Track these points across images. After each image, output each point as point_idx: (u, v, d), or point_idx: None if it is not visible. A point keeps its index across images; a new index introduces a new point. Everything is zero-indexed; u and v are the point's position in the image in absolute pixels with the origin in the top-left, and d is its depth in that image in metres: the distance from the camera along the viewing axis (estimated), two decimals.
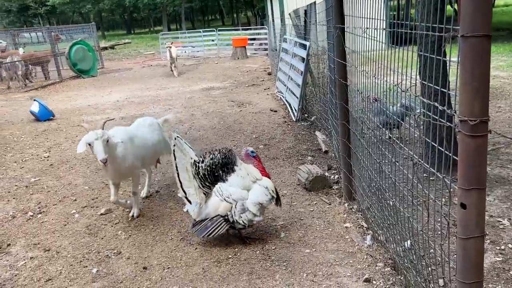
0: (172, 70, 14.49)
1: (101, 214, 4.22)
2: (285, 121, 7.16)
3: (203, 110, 8.47)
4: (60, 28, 19.62)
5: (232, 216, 3.31)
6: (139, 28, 76.36)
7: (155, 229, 3.85)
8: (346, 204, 3.97)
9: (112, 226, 3.97)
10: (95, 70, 16.13)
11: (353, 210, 3.84)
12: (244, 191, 3.34)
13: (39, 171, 5.71)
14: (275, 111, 7.90)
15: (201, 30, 21.73)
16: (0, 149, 6.85)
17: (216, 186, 3.37)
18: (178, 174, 3.39)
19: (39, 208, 4.51)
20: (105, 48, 30.46)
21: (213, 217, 3.35)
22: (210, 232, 3.32)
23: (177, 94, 10.72)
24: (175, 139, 3.36)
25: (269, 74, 12.88)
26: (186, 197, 3.41)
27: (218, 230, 3.32)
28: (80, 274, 3.21)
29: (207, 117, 7.88)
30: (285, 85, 8.33)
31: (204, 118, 7.79)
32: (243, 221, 3.31)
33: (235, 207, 3.30)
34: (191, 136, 6.69)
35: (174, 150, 3.39)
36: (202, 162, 3.36)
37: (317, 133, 6.18)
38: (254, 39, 20.77)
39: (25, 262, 3.43)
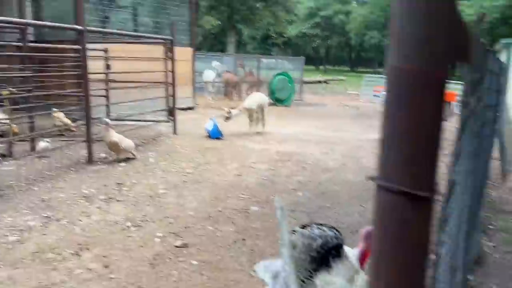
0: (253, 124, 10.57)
1: (176, 246, 4.11)
2: None
3: (358, 163, 7.70)
4: (271, 58, 21.32)
5: None
6: (364, 67, 77.53)
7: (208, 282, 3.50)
8: None
9: (175, 263, 3.80)
10: (289, 101, 16.88)
11: None
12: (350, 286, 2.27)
13: (172, 184, 6.04)
14: None
15: None
16: (162, 155, 7.63)
17: (320, 277, 2.25)
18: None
19: (140, 221, 4.70)
20: (319, 82, 31.94)
21: None
22: None
23: (348, 140, 10.12)
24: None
25: None
26: None
27: None
28: None
29: (357, 171, 7.11)
30: None
31: (352, 172, 7.05)
32: None
33: None
34: (321, 190, 6.07)
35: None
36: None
37: None
38: None
39: (82, 272, 3.54)
